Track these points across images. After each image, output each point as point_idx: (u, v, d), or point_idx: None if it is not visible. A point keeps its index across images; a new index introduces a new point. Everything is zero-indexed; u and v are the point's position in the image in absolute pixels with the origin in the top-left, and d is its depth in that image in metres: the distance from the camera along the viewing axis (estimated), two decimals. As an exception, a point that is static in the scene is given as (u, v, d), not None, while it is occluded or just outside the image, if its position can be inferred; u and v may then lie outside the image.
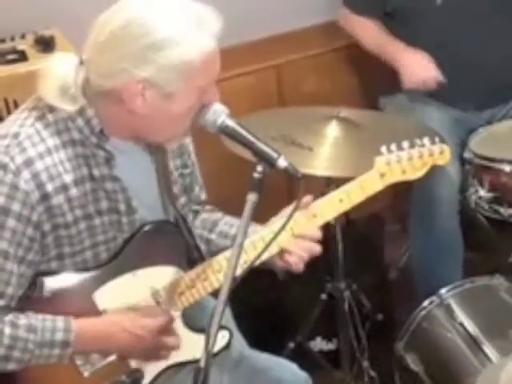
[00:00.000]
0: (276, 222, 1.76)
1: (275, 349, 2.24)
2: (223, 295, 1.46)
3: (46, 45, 2.43)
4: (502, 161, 2.51)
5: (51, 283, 1.70)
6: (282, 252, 1.77)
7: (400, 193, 2.52)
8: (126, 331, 1.72)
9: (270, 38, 3.12)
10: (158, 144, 1.75)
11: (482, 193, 2.55)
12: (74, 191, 1.65)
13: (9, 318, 1.62)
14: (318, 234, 1.79)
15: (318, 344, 2.77)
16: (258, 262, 1.61)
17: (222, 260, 1.78)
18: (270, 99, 3.14)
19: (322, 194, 1.83)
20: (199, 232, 1.94)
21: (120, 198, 1.72)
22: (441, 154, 1.89)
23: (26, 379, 1.72)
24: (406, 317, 2.44)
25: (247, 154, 1.64)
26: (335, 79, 3.23)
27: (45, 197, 1.62)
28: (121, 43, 1.56)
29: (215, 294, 1.73)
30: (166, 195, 1.83)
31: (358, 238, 2.89)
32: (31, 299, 1.69)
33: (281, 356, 2.18)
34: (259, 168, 1.57)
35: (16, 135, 1.63)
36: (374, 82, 2.86)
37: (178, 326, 1.82)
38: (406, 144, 1.84)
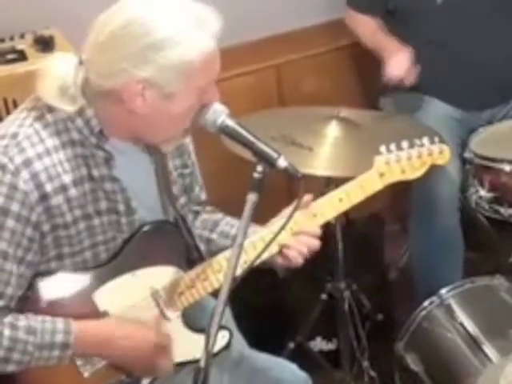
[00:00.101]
0: (276, 222, 1.76)
1: (275, 349, 2.24)
2: (223, 295, 1.46)
3: (45, 44, 2.43)
4: (502, 161, 2.50)
5: (51, 283, 1.69)
6: (281, 248, 1.77)
7: (400, 192, 2.52)
8: (128, 339, 1.71)
9: (270, 37, 3.12)
10: (157, 144, 1.75)
11: (483, 193, 2.54)
12: (73, 191, 1.65)
13: (8, 319, 1.62)
14: (318, 231, 1.79)
15: (318, 344, 2.77)
16: (257, 262, 1.61)
17: (221, 260, 1.78)
18: (269, 99, 3.14)
19: (322, 193, 1.83)
20: (199, 232, 1.94)
21: (119, 199, 1.72)
22: (440, 153, 1.90)
23: (25, 380, 1.71)
24: (406, 317, 2.44)
25: (247, 154, 1.63)
26: (335, 79, 3.23)
27: (44, 197, 1.61)
28: (121, 43, 1.56)
29: (215, 294, 1.73)
30: (165, 195, 1.83)
31: (358, 238, 2.89)
32: (31, 299, 1.68)
33: (281, 356, 2.18)
34: (259, 168, 1.57)
35: (15, 135, 1.63)
36: (374, 82, 2.85)
37: (178, 326, 1.82)
38: (405, 144, 1.85)
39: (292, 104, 3.09)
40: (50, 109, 1.64)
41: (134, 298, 1.76)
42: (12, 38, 2.55)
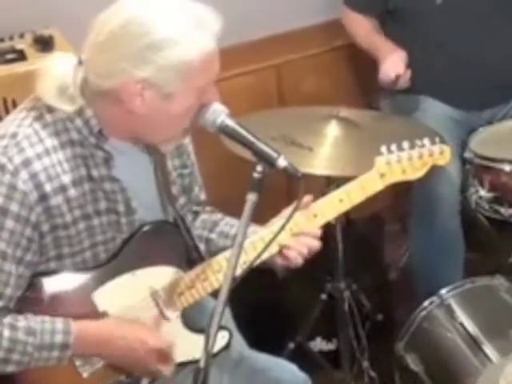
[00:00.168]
0: (276, 222, 1.76)
1: (275, 349, 2.24)
2: (223, 295, 1.46)
3: (44, 44, 2.42)
4: (502, 161, 2.50)
5: (50, 283, 1.69)
6: (281, 248, 1.77)
7: (400, 193, 2.52)
8: (125, 341, 1.70)
9: (270, 37, 3.11)
10: (157, 144, 1.74)
11: (483, 193, 2.54)
12: (72, 192, 1.65)
13: (8, 320, 1.62)
14: (318, 232, 1.79)
15: (318, 344, 2.77)
16: (257, 262, 1.61)
17: (221, 260, 1.78)
18: (269, 99, 3.14)
19: (322, 193, 1.83)
20: (199, 232, 1.94)
21: (119, 199, 1.72)
22: (441, 154, 1.90)
23: (25, 380, 1.71)
24: (406, 317, 2.44)
25: (247, 154, 1.63)
26: (335, 79, 3.23)
27: (43, 197, 1.61)
28: (120, 43, 1.56)
29: (215, 294, 1.73)
30: (164, 195, 1.82)
31: (358, 238, 2.89)
32: (30, 300, 1.68)
33: (281, 356, 2.18)
34: (259, 168, 1.56)
35: (14, 135, 1.62)
36: (373, 82, 2.85)
37: (178, 326, 1.81)
38: (406, 144, 1.85)
39: (292, 104, 3.09)
40: (50, 109, 1.64)
41: (133, 298, 1.75)
42: (11, 38, 2.55)
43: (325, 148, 2.31)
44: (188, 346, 1.79)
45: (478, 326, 2.29)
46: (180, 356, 1.81)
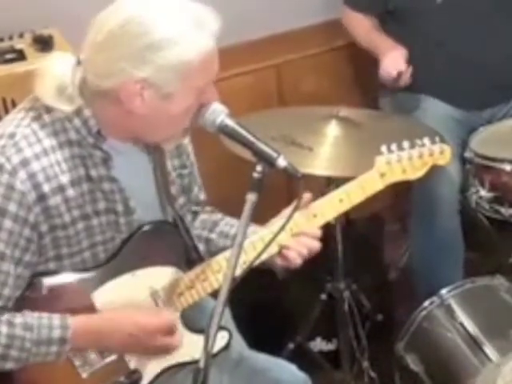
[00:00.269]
0: (276, 222, 1.76)
1: (275, 349, 2.24)
2: (222, 296, 1.46)
3: (44, 44, 2.42)
4: (502, 160, 2.50)
5: (49, 284, 1.69)
6: (280, 248, 1.77)
7: (400, 192, 2.52)
8: (120, 328, 1.70)
9: (269, 37, 3.11)
10: (156, 144, 1.74)
11: (483, 192, 2.54)
12: (70, 192, 1.64)
13: (5, 317, 1.61)
14: (318, 232, 1.79)
15: (318, 344, 2.76)
16: (257, 262, 1.61)
17: (221, 260, 1.77)
18: (269, 99, 3.14)
19: (322, 193, 1.83)
20: (198, 232, 1.94)
21: (117, 199, 1.72)
22: (441, 153, 1.89)
23: (24, 381, 1.71)
24: (406, 317, 2.44)
25: (246, 154, 1.63)
26: (335, 79, 3.22)
27: (41, 197, 1.61)
28: (119, 43, 1.56)
29: (214, 294, 1.72)
30: (163, 195, 1.82)
31: (358, 238, 2.89)
32: (30, 300, 1.68)
33: (280, 356, 2.18)
34: (259, 168, 1.56)
35: (12, 135, 1.62)
36: (373, 82, 2.85)
37: (178, 326, 1.81)
38: (406, 144, 1.85)
39: (292, 104, 3.09)
40: (48, 109, 1.64)
41: (133, 298, 1.75)
42: (11, 38, 2.55)
43: (325, 148, 2.31)
44: (188, 347, 1.79)
45: (478, 326, 2.29)
46: (180, 356, 1.80)
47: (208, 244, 1.93)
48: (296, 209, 1.60)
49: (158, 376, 1.81)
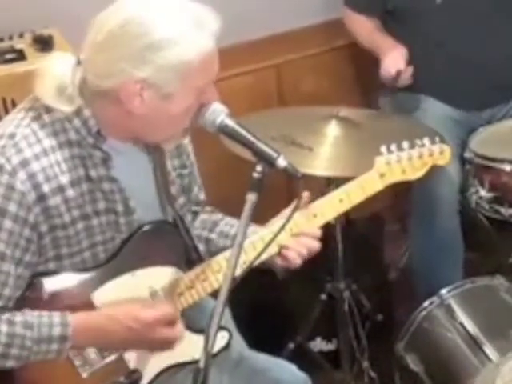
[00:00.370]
0: (276, 222, 1.76)
1: (275, 349, 2.24)
2: (222, 296, 1.46)
3: (44, 44, 2.42)
4: (502, 160, 2.50)
5: (49, 284, 1.69)
6: (280, 248, 1.77)
7: (400, 193, 2.52)
8: (119, 323, 1.69)
9: (269, 37, 3.11)
10: (156, 144, 1.74)
11: (483, 193, 2.54)
12: (70, 192, 1.64)
13: (5, 316, 1.61)
14: (318, 233, 1.79)
15: (318, 344, 2.76)
16: (257, 262, 1.61)
17: (221, 260, 1.77)
18: (268, 99, 3.14)
19: (322, 193, 1.83)
20: (198, 232, 1.94)
21: (117, 199, 1.72)
22: (441, 154, 1.89)
23: (24, 381, 1.71)
24: (406, 317, 2.44)
25: (246, 154, 1.63)
26: (335, 79, 3.22)
27: (41, 198, 1.61)
28: (119, 43, 1.56)
29: (215, 294, 1.72)
30: (163, 195, 1.82)
31: (358, 238, 2.89)
32: (30, 300, 1.68)
33: (280, 356, 2.18)
34: (258, 168, 1.56)
35: (12, 136, 1.62)
36: (372, 82, 2.85)
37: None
38: (406, 144, 1.85)
39: (292, 104, 3.09)
40: (48, 109, 1.64)
41: (132, 298, 1.75)
42: (11, 38, 2.55)
43: (325, 148, 2.31)
44: (188, 347, 1.79)
45: (478, 326, 2.29)
46: (179, 356, 1.81)
47: (208, 244, 1.93)
48: (296, 209, 1.61)
49: (157, 376, 1.81)
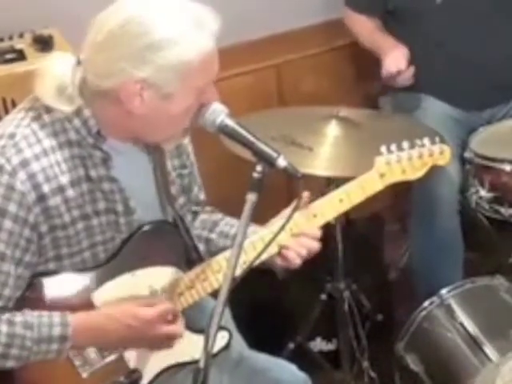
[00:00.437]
0: (276, 222, 1.76)
1: (275, 349, 2.24)
2: (222, 296, 1.46)
3: (44, 44, 2.42)
4: (502, 160, 2.50)
5: (49, 284, 1.69)
6: (280, 248, 1.77)
7: (400, 193, 2.52)
8: (118, 322, 1.69)
9: (269, 37, 3.11)
10: (156, 144, 1.74)
11: (483, 193, 2.54)
12: (70, 192, 1.64)
13: (5, 316, 1.62)
14: (318, 233, 1.79)
15: (318, 344, 2.76)
16: (257, 262, 1.61)
17: (221, 260, 1.77)
18: (268, 99, 3.14)
19: (322, 193, 1.83)
20: (198, 232, 1.94)
21: (117, 199, 1.72)
22: (441, 154, 1.89)
23: (24, 380, 1.71)
24: (406, 317, 2.44)
25: (246, 154, 1.63)
26: (334, 79, 3.22)
27: (41, 198, 1.61)
28: (119, 43, 1.56)
29: (215, 294, 1.72)
30: (163, 195, 1.82)
31: (358, 238, 2.89)
32: (30, 300, 1.68)
33: (280, 356, 2.18)
34: (259, 168, 1.56)
35: (12, 136, 1.62)
36: (372, 82, 2.85)
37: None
38: (406, 144, 1.85)
39: (292, 104, 3.09)
40: (48, 109, 1.64)
41: (132, 298, 1.75)
42: (11, 38, 2.55)
43: (325, 148, 2.31)
44: (188, 347, 1.79)
45: (478, 326, 2.29)
46: (180, 356, 1.81)
47: (208, 244, 1.93)
48: (296, 209, 1.61)
49: (157, 376, 1.81)
